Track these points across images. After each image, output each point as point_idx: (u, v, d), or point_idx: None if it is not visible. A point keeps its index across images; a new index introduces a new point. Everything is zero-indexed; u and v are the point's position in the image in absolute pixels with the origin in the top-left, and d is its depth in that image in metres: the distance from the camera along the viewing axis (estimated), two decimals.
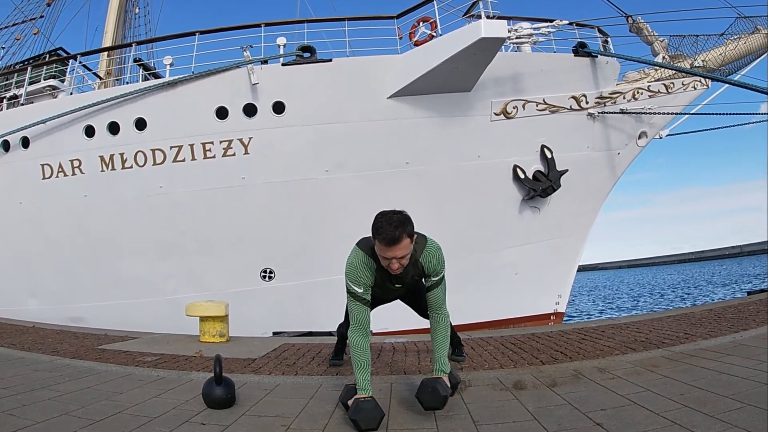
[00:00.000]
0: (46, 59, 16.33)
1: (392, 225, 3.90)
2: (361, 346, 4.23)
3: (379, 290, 4.52)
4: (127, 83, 13.68)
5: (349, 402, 4.09)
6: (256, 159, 12.02)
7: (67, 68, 14.77)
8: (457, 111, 12.26)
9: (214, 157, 12.07)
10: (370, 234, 4.06)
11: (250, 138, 11.96)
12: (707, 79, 14.10)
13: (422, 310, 5.19)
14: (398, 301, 5.15)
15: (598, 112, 13.24)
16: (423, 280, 4.48)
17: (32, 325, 11.05)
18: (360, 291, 4.27)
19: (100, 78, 16.83)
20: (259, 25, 12.14)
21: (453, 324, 5.51)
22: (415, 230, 4.12)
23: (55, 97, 13.92)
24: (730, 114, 13.42)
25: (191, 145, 12.06)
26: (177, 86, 12.08)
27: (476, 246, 12.91)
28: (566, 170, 12.96)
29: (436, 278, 4.40)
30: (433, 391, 4.02)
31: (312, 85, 11.85)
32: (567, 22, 12.76)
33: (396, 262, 4.03)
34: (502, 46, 11.40)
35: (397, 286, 4.59)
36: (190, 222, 12.41)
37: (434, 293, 4.44)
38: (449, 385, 4.22)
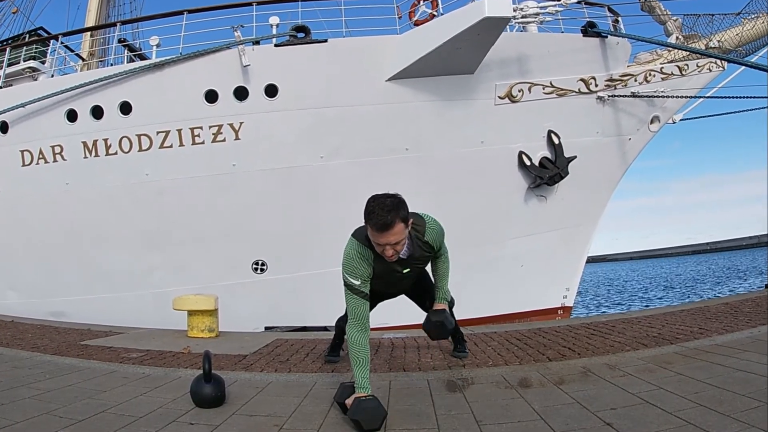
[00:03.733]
0: (26, 39, 16.23)
1: (384, 209, 3.86)
2: (360, 342, 4.21)
3: (380, 281, 4.46)
4: (112, 65, 13.62)
5: (347, 401, 4.05)
6: (248, 145, 11.98)
7: (47, 49, 14.68)
8: (460, 94, 12.21)
9: (203, 142, 12.03)
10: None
11: (241, 123, 11.92)
12: (723, 61, 14.04)
13: (425, 303, 5.24)
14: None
15: (608, 96, 13.20)
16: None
17: (11, 319, 11.05)
18: (357, 283, 4.24)
19: (83, 59, 16.77)
20: (250, 4, 12.07)
21: (456, 319, 5.50)
22: (410, 211, 4.11)
23: (35, 80, 13.86)
24: (748, 97, 13.40)
25: (179, 131, 12.02)
26: (164, 68, 12.02)
27: (479, 237, 12.88)
28: (574, 157, 12.93)
29: (441, 250, 4.87)
30: (441, 326, 4.94)
31: (306, 67, 11.79)
32: (575, 0, 12.71)
33: (390, 248, 3.99)
34: (507, 26, 11.35)
35: (406, 271, 4.59)
36: (178, 211, 12.37)
37: (441, 261, 5.00)
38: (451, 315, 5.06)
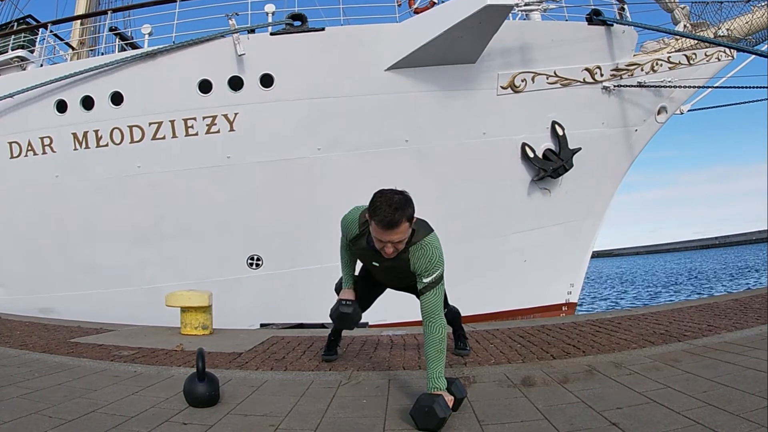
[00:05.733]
0: (14, 28, 16.18)
1: (392, 207, 3.82)
2: (342, 251, 5.11)
3: (364, 260, 4.90)
4: (102, 54, 13.59)
5: (342, 296, 5.16)
6: (243, 136, 11.97)
7: (36, 38, 14.62)
8: (461, 84, 12.20)
9: (196, 134, 12.01)
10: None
11: (236, 114, 11.90)
12: (732, 50, 14.02)
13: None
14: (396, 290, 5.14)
15: (614, 86, 13.18)
16: (416, 277, 4.27)
17: None
18: (345, 241, 4.93)
19: (73, 48, 16.73)
20: None
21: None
22: (419, 216, 4.09)
23: (24, 69, 13.81)
24: (758, 87, 13.37)
25: (172, 122, 12.00)
26: (156, 57, 12.00)
27: (481, 231, 12.89)
28: (579, 148, 12.92)
29: (428, 280, 4.17)
30: (429, 412, 3.79)
31: (303, 56, 11.77)
32: None
33: (391, 246, 3.99)
34: (510, 14, 11.34)
35: (374, 264, 4.68)
36: (171, 205, 12.36)
37: (427, 298, 4.19)
38: (451, 400, 3.97)
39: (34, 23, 15.90)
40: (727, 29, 13.59)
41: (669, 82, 13.56)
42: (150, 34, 12.36)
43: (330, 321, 5.90)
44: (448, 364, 5.18)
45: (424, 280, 4.18)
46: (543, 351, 6.07)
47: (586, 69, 12.89)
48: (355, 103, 11.93)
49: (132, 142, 12.13)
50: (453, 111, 12.28)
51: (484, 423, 3.89)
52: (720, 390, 4.15)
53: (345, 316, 5.11)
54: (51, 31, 14.44)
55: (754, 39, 13.87)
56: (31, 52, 14.38)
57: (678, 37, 13.61)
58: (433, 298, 4.18)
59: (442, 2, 11.58)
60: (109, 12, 14.29)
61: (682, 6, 14.19)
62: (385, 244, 3.98)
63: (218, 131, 11.96)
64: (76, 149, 12.35)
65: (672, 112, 14.54)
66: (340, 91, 11.88)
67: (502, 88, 12.44)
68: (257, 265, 12.54)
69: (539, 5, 12.45)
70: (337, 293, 5.26)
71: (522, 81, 12.50)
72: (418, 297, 4.39)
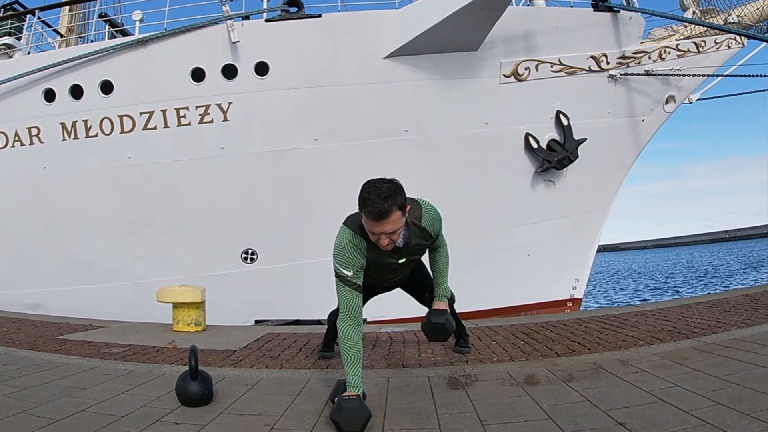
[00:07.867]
0: (0, 14, 16.17)
1: (381, 196, 3.79)
2: (351, 336, 4.17)
3: (374, 273, 4.44)
4: (92, 41, 13.54)
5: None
6: (237, 126, 11.94)
7: (24, 24, 14.59)
8: (462, 73, 12.17)
9: (189, 124, 11.98)
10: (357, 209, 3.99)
11: (230, 103, 11.88)
12: (743, 37, 13.99)
13: (422, 296, 5.20)
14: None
15: (621, 74, 13.15)
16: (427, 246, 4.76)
17: None
18: (349, 274, 4.20)
19: (62, 35, 16.67)
20: None
21: (458, 312, 5.50)
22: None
23: (11, 57, 13.77)
24: (763, 76, 13.35)
25: (163, 111, 11.96)
26: (147, 45, 11.95)
27: (484, 224, 12.88)
28: (584, 139, 12.90)
29: (438, 234, 4.71)
30: (441, 328, 4.86)
31: (299, 43, 11.74)
32: None
33: (385, 237, 3.95)
34: (513, 0, 11.31)
35: (401, 261, 4.56)
36: (163, 197, 12.32)
37: (438, 243, 4.85)
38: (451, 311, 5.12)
39: (22, 9, 15.86)
40: (738, 16, 13.53)
41: (677, 70, 13.52)
42: (141, 20, 12.32)
43: (326, 319, 5.92)
44: (449, 362, 5.21)
45: (436, 240, 4.75)
46: (547, 348, 6.07)
47: (592, 57, 12.86)
48: (353, 92, 11.90)
49: (122, 132, 12.10)
50: (454, 100, 12.25)
51: (487, 423, 3.88)
52: (730, 389, 4.14)
53: (356, 412, 3.83)
54: (39, 18, 14.41)
55: (765, 26, 13.83)
56: (18, 39, 14.34)
57: (687, 23, 13.56)
58: (441, 240, 4.87)
59: None
60: None
61: None
62: (378, 236, 3.94)
63: (211, 121, 11.93)
64: (64, 140, 12.31)
65: (680, 101, 14.51)
66: (338, 79, 11.85)
67: (505, 76, 12.41)
68: (252, 259, 12.52)
69: None
70: (333, 400, 4.09)
71: (525, 69, 12.47)
72: (417, 297, 4.77)
